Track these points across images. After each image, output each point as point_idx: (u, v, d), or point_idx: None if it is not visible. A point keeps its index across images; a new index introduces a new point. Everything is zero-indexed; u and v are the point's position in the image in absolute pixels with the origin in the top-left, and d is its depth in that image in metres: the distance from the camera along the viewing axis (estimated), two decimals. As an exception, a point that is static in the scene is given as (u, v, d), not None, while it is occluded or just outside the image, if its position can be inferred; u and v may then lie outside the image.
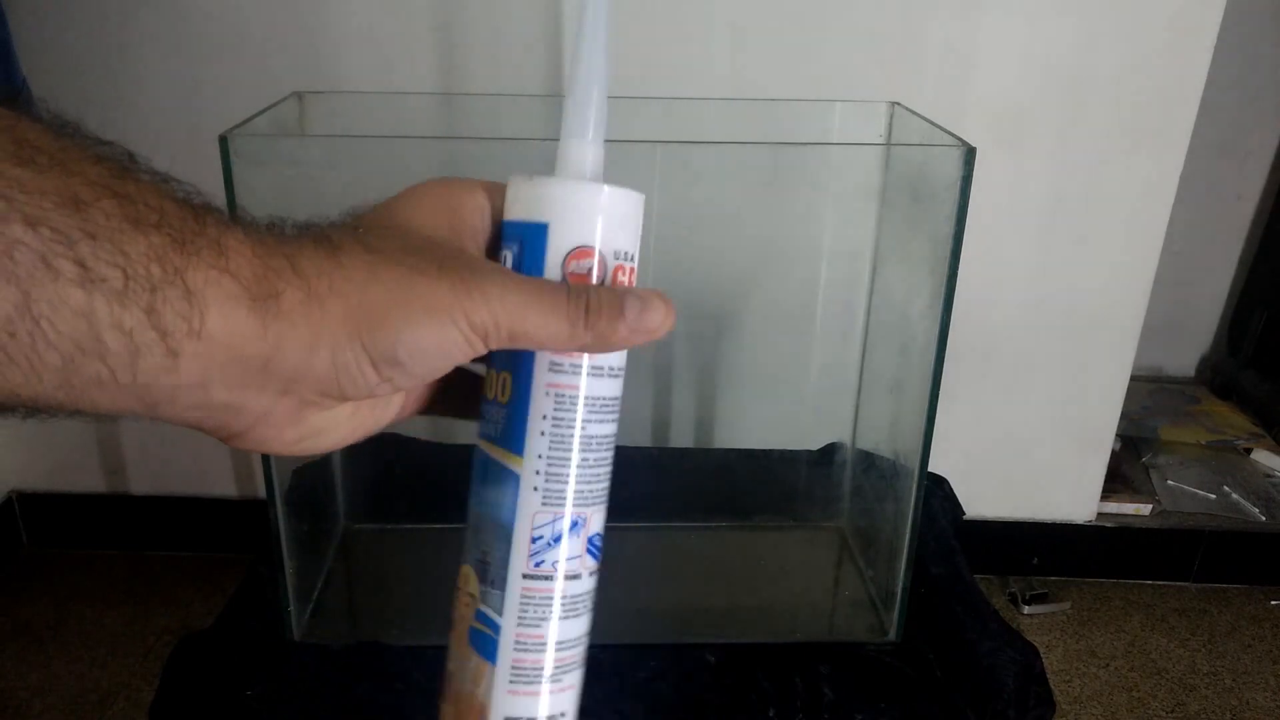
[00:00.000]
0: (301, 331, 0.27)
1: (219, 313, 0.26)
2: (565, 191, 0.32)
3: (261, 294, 0.27)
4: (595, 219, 0.32)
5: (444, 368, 0.30)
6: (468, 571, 0.33)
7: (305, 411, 0.30)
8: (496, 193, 0.33)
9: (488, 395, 0.33)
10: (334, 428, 0.32)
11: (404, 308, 0.28)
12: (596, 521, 0.34)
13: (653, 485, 1.06)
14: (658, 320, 0.32)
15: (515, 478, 0.32)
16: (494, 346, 0.30)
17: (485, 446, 0.33)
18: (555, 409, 0.32)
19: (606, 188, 0.32)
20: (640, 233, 0.33)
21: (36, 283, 0.23)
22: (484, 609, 0.32)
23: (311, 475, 0.90)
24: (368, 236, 0.30)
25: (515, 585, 0.32)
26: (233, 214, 0.28)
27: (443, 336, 0.29)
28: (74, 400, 0.25)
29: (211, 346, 0.26)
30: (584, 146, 0.33)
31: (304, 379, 0.28)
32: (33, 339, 0.23)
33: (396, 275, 0.29)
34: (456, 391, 0.35)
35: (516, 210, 0.32)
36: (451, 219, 0.32)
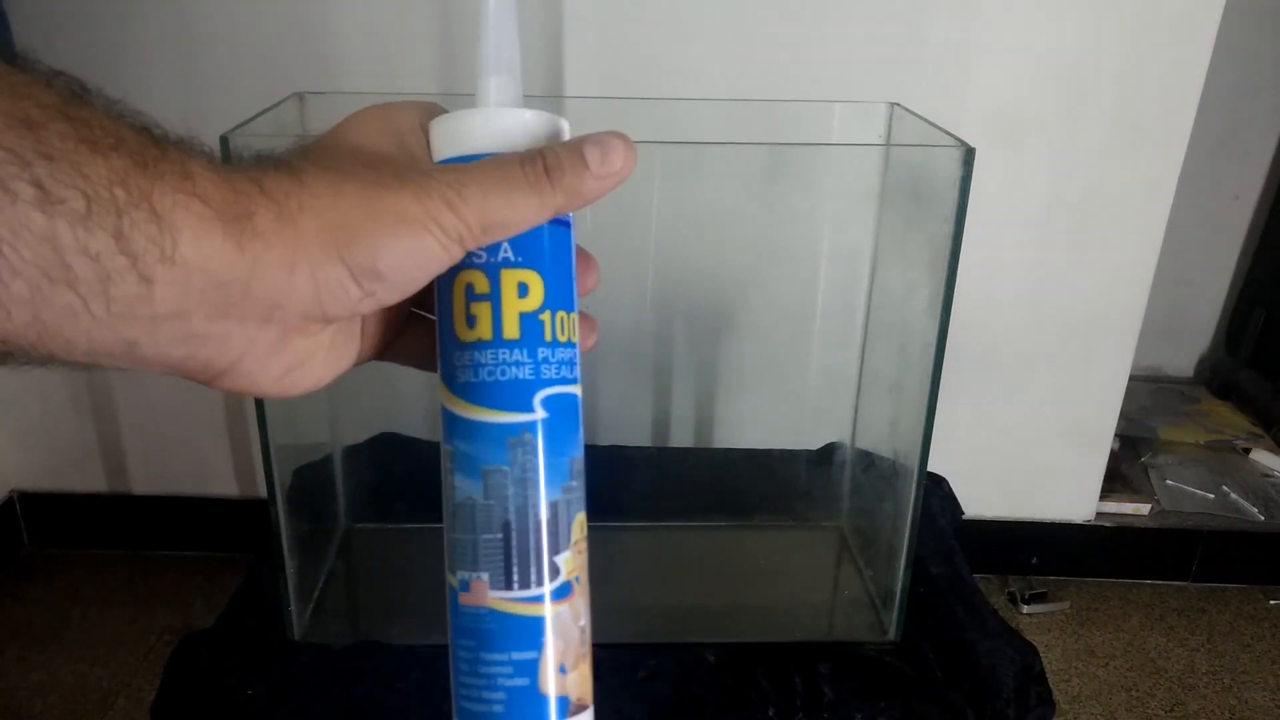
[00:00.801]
0: (279, 251, 0.27)
1: (191, 236, 0.25)
2: (496, 120, 0.32)
3: (233, 215, 0.26)
4: (527, 141, 0.32)
5: (423, 279, 0.30)
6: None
7: (289, 339, 0.29)
8: (419, 111, 0.33)
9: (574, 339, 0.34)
10: (316, 359, 0.31)
11: (376, 219, 0.28)
12: None
13: (653, 485, 1.06)
14: (619, 160, 0.31)
15: None
16: (471, 247, 0.30)
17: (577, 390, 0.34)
18: None
19: (529, 112, 0.33)
20: None
21: None
22: None
23: (312, 475, 0.91)
24: (322, 158, 0.30)
25: None
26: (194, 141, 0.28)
27: (418, 245, 0.29)
28: (47, 340, 0.24)
29: (187, 272, 0.25)
30: (504, 81, 0.33)
31: (286, 301, 0.28)
32: None
33: (360, 189, 0.28)
34: (413, 338, 0.35)
35: (450, 149, 0.32)
36: (396, 139, 0.32)
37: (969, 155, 0.68)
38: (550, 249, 0.32)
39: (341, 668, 0.76)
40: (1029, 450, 1.50)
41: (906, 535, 0.79)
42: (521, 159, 0.30)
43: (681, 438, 1.26)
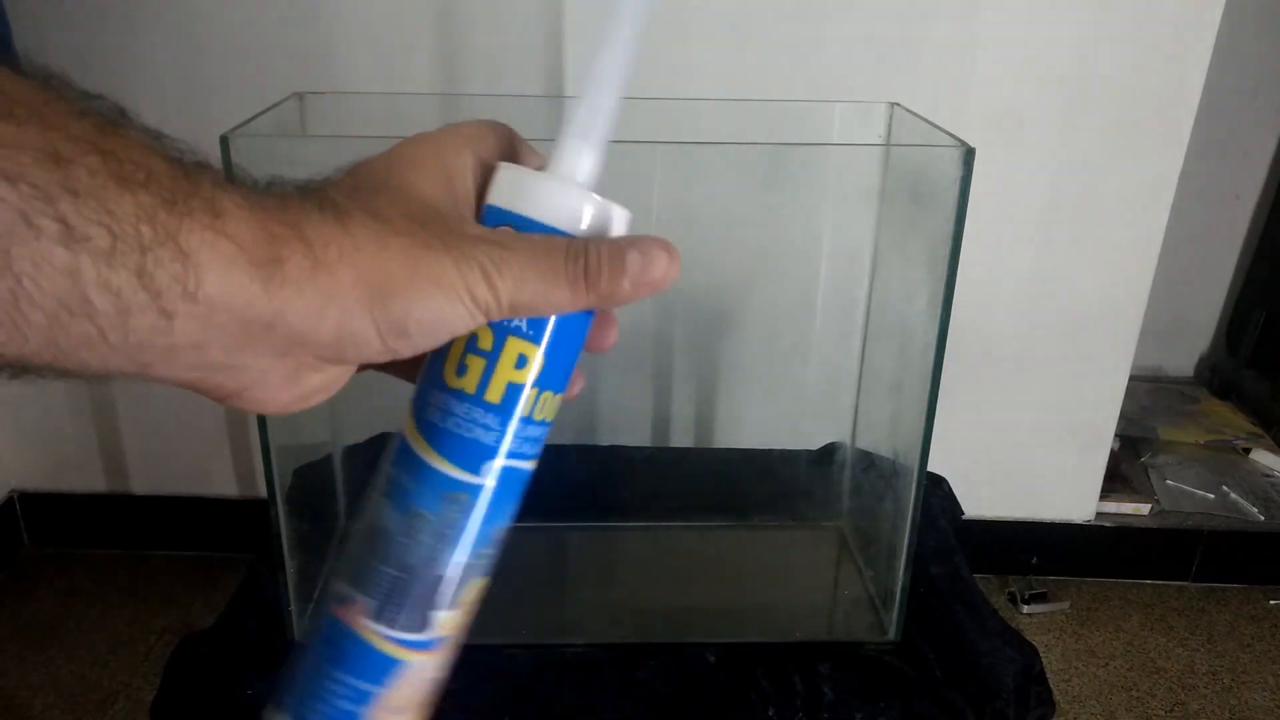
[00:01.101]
0: (309, 298, 0.27)
1: (217, 275, 0.25)
2: (561, 196, 0.31)
3: (263, 258, 0.26)
4: (584, 227, 0.31)
5: (444, 339, 0.30)
6: None
7: (302, 374, 0.30)
8: (480, 144, 0.33)
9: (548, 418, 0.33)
10: (325, 387, 0.31)
11: (414, 282, 0.28)
12: None
13: (653, 485, 1.06)
14: (660, 271, 0.31)
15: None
16: (495, 319, 0.30)
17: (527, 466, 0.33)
18: None
19: (598, 200, 0.32)
20: None
21: (17, 240, 0.22)
22: None
23: (312, 475, 0.90)
24: (371, 200, 0.29)
25: None
26: (229, 174, 0.27)
27: (450, 311, 0.29)
28: (62, 360, 0.25)
29: (210, 309, 0.26)
30: (583, 149, 0.32)
31: (307, 343, 0.28)
32: (15, 297, 0.23)
33: (405, 246, 0.28)
34: (418, 357, 0.35)
35: (508, 200, 0.32)
36: (447, 184, 0.31)
37: (969, 155, 0.68)
38: (562, 332, 0.32)
39: (341, 668, 0.76)
40: (1029, 450, 1.50)
41: (906, 535, 0.79)
42: (567, 251, 0.30)
43: (681, 438, 1.26)
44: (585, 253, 0.30)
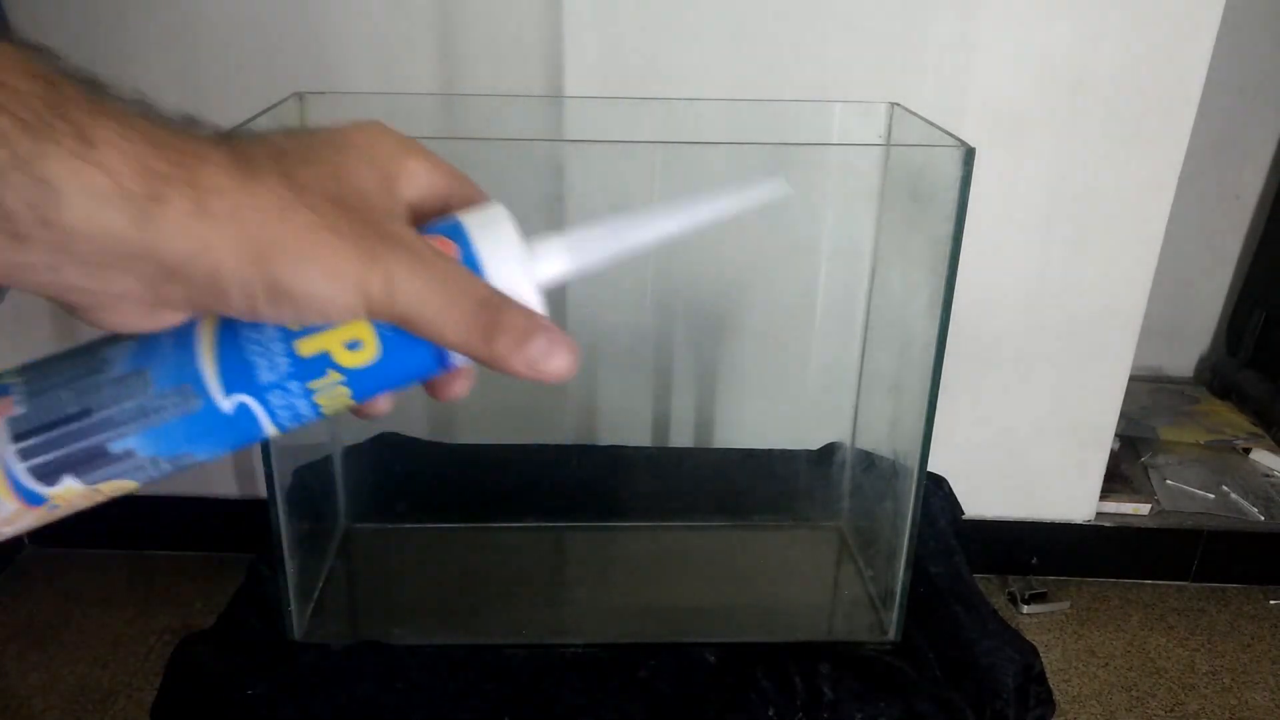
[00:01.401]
0: (182, 242, 0.26)
1: (81, 206, 0.24)
2: (519, 263, 0.31)
3: (139, 194, 0.25)
4: (511, 278, 0.31)
5: (315, 321, 0.29)
6: None
7: (161, 312, 0.28)
8: (430, 162, 0.32)
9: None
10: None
11: (300, 257, 0.27)
12: None
13: (653, 485, 1.06)
14: (554, 368, 0.30)
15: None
16: (378, 319, 0.29)
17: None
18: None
19: (540, 297, 0.31)
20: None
21: None
22: None
23: (312, 475, 0.91)
24: (296, 168, 0.28)
25: None
26: (117, 102, 0.26)
27: (330, 297, 0.27)
28: None
29: (69, 237, 0.24)
30: (564, 258, 0.32)
31: (177, 279, 0.26)
32: None
33: (307, 221, 0.27)
34: None
35: (476, 227, 0.31)
36: (386, 180, 0.30)
37: (969, 155, 0.68)
38: (409, 354, 0.30)
39: (341, 668, 0.76)
40: (1029, 450, 1.50)
41: (906, 535, 0.79)
42: (485, 297, 0.29)
43: (681, 438, 1.26)
44: (501, 309, 0.29)
